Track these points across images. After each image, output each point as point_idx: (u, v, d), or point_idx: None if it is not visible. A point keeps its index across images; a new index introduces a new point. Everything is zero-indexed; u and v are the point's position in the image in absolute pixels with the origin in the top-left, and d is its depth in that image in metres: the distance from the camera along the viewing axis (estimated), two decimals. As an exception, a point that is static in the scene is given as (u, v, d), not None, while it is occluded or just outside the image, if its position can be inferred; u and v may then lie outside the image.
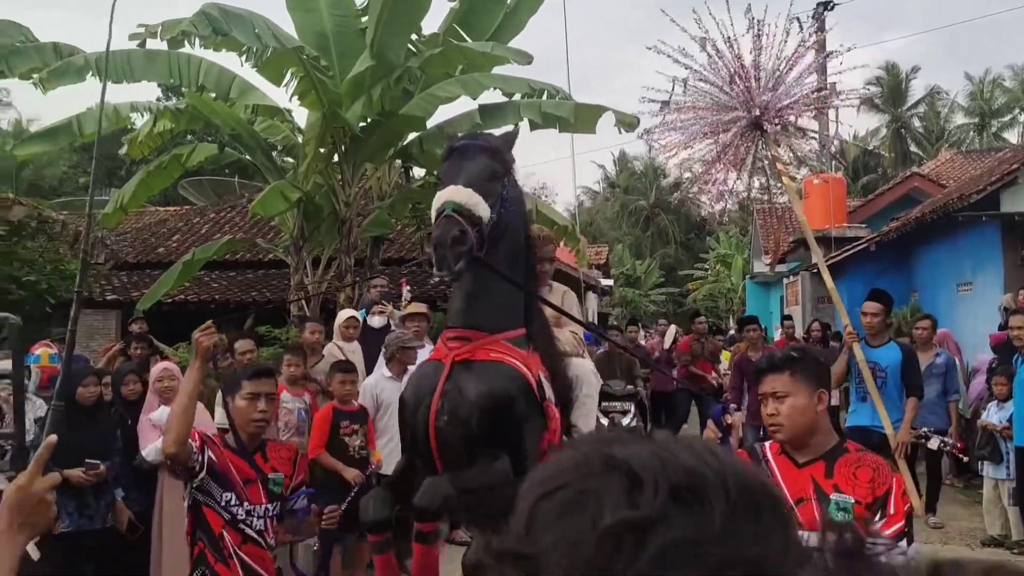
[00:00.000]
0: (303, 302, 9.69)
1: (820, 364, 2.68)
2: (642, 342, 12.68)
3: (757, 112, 5.31)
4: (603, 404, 8.99)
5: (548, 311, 3.78)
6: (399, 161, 11.22)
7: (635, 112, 9.65)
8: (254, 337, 7.15)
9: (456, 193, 3.07)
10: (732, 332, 16.92)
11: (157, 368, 6.31)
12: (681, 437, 0.66)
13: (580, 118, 9.35)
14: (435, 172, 11.84)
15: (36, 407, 6.75)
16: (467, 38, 10.13)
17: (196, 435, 3.09)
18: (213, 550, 3.10)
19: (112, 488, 5.84)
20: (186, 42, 8.39)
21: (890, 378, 5.98)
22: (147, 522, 5.83)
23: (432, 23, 11.40)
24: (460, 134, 3.62)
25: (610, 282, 29.81)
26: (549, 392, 3.35)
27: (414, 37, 9.73)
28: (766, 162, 5.66)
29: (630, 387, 9.60)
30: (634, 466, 0.60)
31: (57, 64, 8.24)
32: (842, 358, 6.06)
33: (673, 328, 13.83)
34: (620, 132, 9.41)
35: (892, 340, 6.38)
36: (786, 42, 5.30)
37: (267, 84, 9.17)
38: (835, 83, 6.01)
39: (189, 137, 17.30)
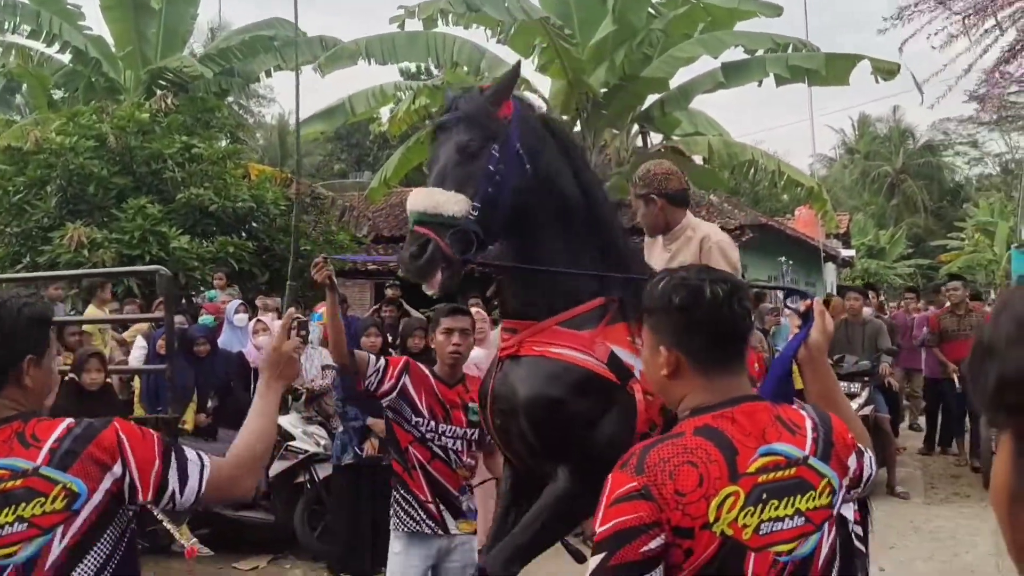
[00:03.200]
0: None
1: None
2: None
3: None
4: None
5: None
6: (636, 127, 11.28)
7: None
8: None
9: (415, 200, 2.67)
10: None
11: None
12: None
13: (832, 70, 8.92)
14: (672, 136, 11.79)
15: (323, 356, 7.62)
16: (708, -4, 9.95)
17: (399, 360, 3.48)
18: (400, 460, 3.48)
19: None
20: (440, 21, 8.96)
21: None
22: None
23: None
24: (452, 95, 2.93)
25: (851, 253, 28.06)
26: (640, 365, 2.72)
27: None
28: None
29: (864, 363, 7.83)
30: None
31: (333, 50, 9.10)
32: None
33: None
34: (877, 82, 8.86)
35: None
36: None
37: (513, 57, 9.58)
38: None
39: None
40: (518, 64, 3.12)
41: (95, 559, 1.68)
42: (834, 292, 22.28)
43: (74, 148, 9.66)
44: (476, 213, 2.64)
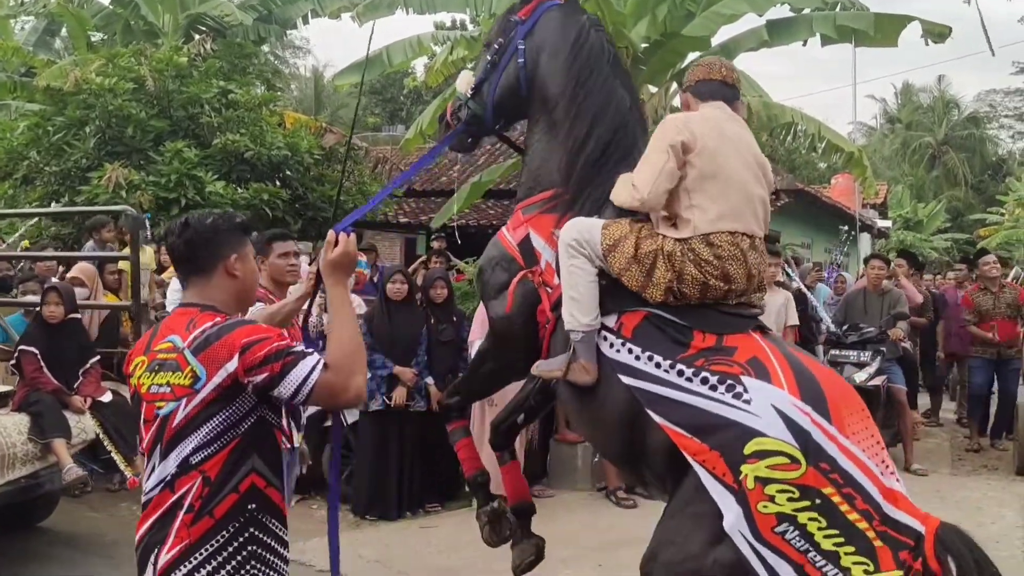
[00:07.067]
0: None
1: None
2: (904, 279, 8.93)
3: None
4: (830, 352, 7.60)
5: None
6: (676, 85, 11.06)
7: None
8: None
9: None
10: None
11: None
12: None
13: (880, 30, 8.65)
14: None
15: (356, 303, 7.69)
16: (754, -49, 9.67)
17: None
18: None
19: (424, 377, 6.53)
20: (479, -29, 8.81)
21: None
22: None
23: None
24: None
25: (887, 224, 27.62)
26: (549, 256, 2.95)
27: (700, -47, 9.46)
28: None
29: (870, 330, 7.46)
30: None
31: (370, -1, 8.99)
32: None
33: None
34: (927, 44, 8.59)
35: None
36: None
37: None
38: None
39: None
40: None
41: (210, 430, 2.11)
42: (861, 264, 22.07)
43: (113, 90, 9.70)
44: (472, 93, 3.25)
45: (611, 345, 2.71)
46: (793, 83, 60.36)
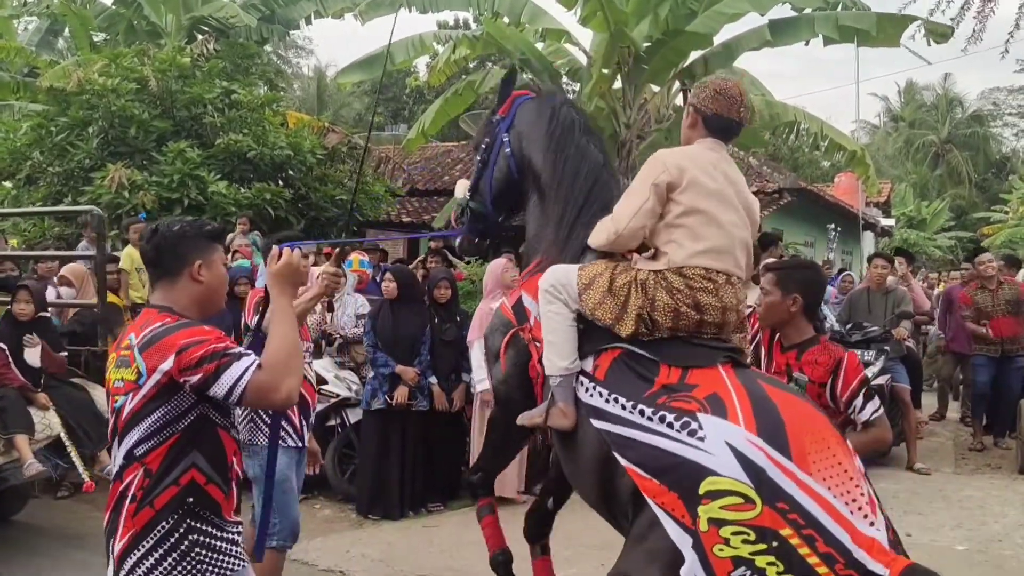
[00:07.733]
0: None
1: (801, 274, 3.26)
2: (915, 281, 9.20)
3: None
4: None
5: None
6: (678, 84, 11.08)
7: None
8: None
9: None
10: None
11: None
12: None
13: (882, 30, 8.66)
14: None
15: (357, 303, 7.68)
16: (757, -49, 9.67)
17: None
18: None
19: (426, 377, 6.54)
20: (481, -31, 8.83)
21: None
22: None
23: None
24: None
25: (891, 222, 27.56)
26: (537, 314, 3.01)
27: (703, -48, 9.49)
28: None
29: (873, 329, 7.47)
30: None
31: (373, -3, 9.00)
32: None
33: None
34: (929, 44, 8.59)
35: None
36: None
37: (555, 8, 9.41)
38: None
39: (481, 64, 17.98)
40: (512, 70, 3.82)
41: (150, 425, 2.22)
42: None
43: (116, 90, 9.72)
44: (470, 194, 3.47)
45: (586, 390, 2.73)
46: (796, 82, 60.40)
